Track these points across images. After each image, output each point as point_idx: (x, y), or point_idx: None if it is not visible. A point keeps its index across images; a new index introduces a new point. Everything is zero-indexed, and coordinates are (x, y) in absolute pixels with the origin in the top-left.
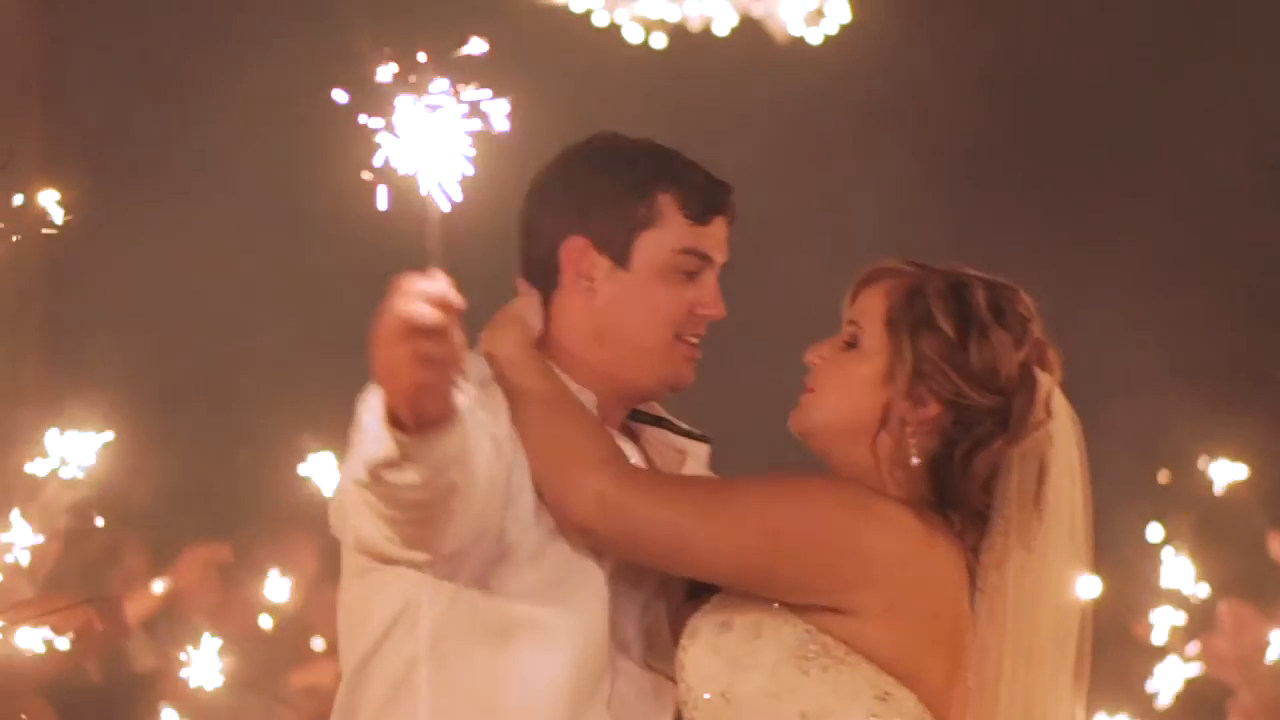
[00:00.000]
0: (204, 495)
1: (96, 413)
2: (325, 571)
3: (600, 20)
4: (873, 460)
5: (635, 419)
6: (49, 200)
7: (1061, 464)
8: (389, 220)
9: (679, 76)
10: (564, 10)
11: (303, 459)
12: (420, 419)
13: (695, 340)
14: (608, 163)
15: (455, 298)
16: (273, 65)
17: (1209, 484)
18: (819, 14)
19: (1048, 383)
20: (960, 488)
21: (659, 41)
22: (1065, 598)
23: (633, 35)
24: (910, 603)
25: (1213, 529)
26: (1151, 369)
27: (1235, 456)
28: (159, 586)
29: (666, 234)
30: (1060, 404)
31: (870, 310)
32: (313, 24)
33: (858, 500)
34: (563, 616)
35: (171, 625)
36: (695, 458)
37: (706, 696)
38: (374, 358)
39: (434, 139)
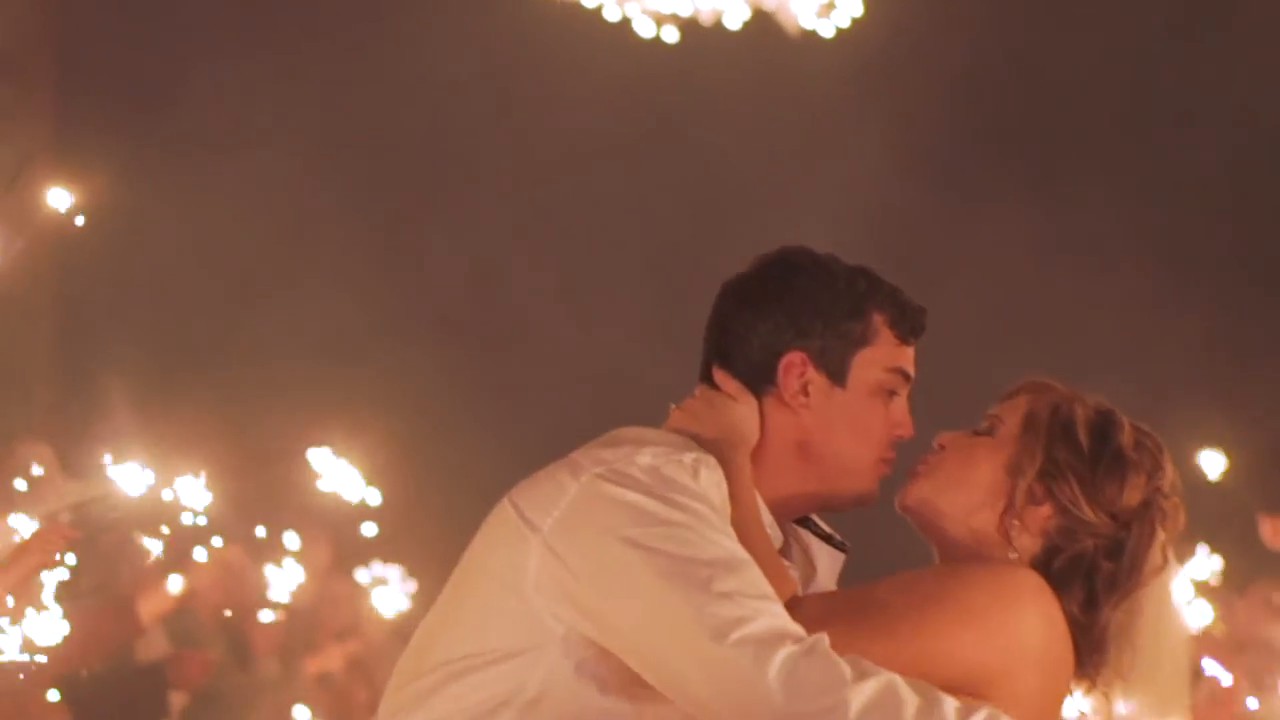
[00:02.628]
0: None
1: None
2: (337, 563)
3: (612, 14)
4: (975, 539)
5: None
6: (63, 200)
7: (1161, 611)
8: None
9: (691, 70)
10: (576, 5)
11: (313, 453)
12: None
13: (890, 460)
14: (825, 279)
15: None
16: None
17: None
18: (830, 6)
19: (1164, 535)
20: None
21: (671, 35)
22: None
23: (644, 29)
24: (1047, 690)
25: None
26: (1140, 358)
27: (1218, 445)
28: (175, 584)
29: (880, 353)
30: (1172, 558)
31: (1013, 409)
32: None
33: (1012, 589)
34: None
35: (185, 619)
36: (826, 568)
37: None
38: None
39: None
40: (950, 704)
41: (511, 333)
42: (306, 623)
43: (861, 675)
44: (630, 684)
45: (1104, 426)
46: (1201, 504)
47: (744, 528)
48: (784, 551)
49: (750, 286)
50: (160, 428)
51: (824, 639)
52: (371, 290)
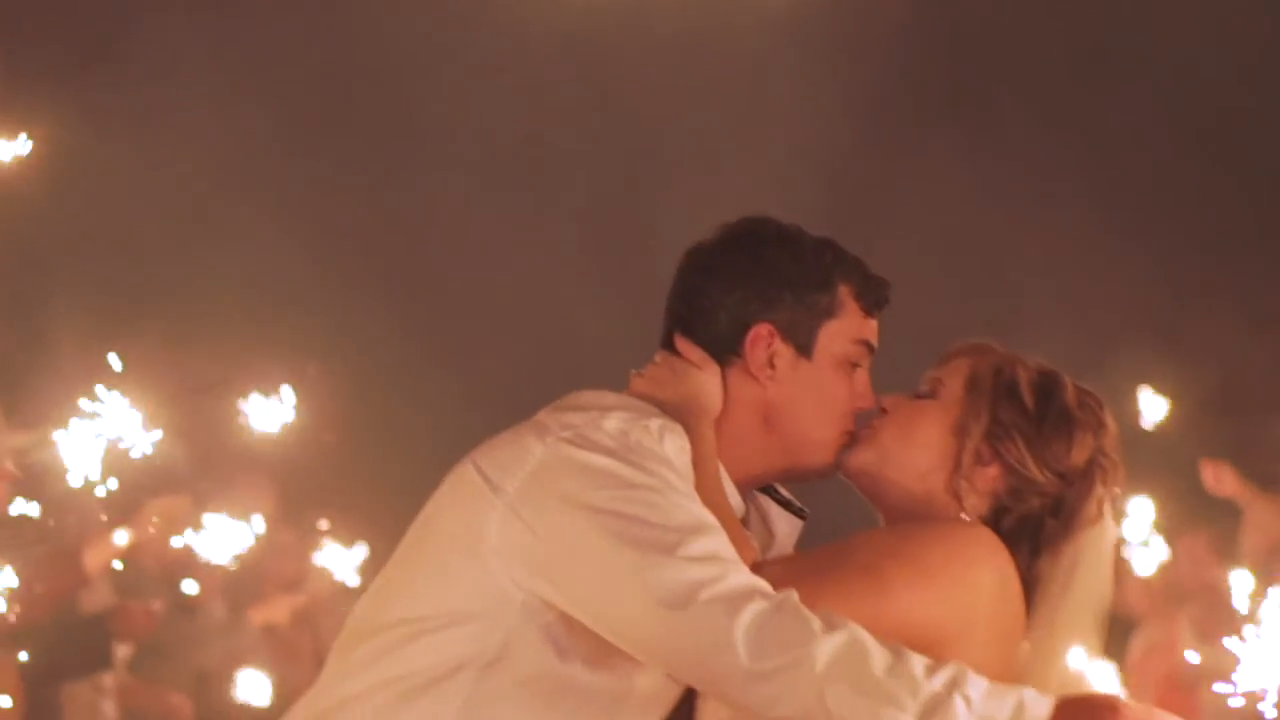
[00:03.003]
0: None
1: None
2: (281, 514)
3: None
4: (922, 502)
5: None
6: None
7: (1093, 560)
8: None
9: (632, 22)
10: None
11: (253, 403)
12: None
13: (852, 431)
14: (793, 251)
15: None
16: None
17: (1139, 418)
18: None
19: (1103, 490)
20: None
21: None
22: (1069, 675)
23: None
24: (1001, 646)
25: (1148, 464)
26: (1080, 305)
27: (1161, 390)
28: (120, 537)
29: (846, 325)
30: (1108, 511)
31: (956, 370)
32: None
33: (968, 546)
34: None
35: (130, 571)
36: (786, 535)
37: None
38: None
39: None
40: (918, 660)
41: (455, 283)
42: (252, 573)
43: (829, 628)
44: (589, 650)
45: (1047, 386)
46: (1143, 449)
47: (707, 496)
48: (743, 520)
49: (716, 257)
50: (106, 375)
51: (793, 594)
52: (317, 238)
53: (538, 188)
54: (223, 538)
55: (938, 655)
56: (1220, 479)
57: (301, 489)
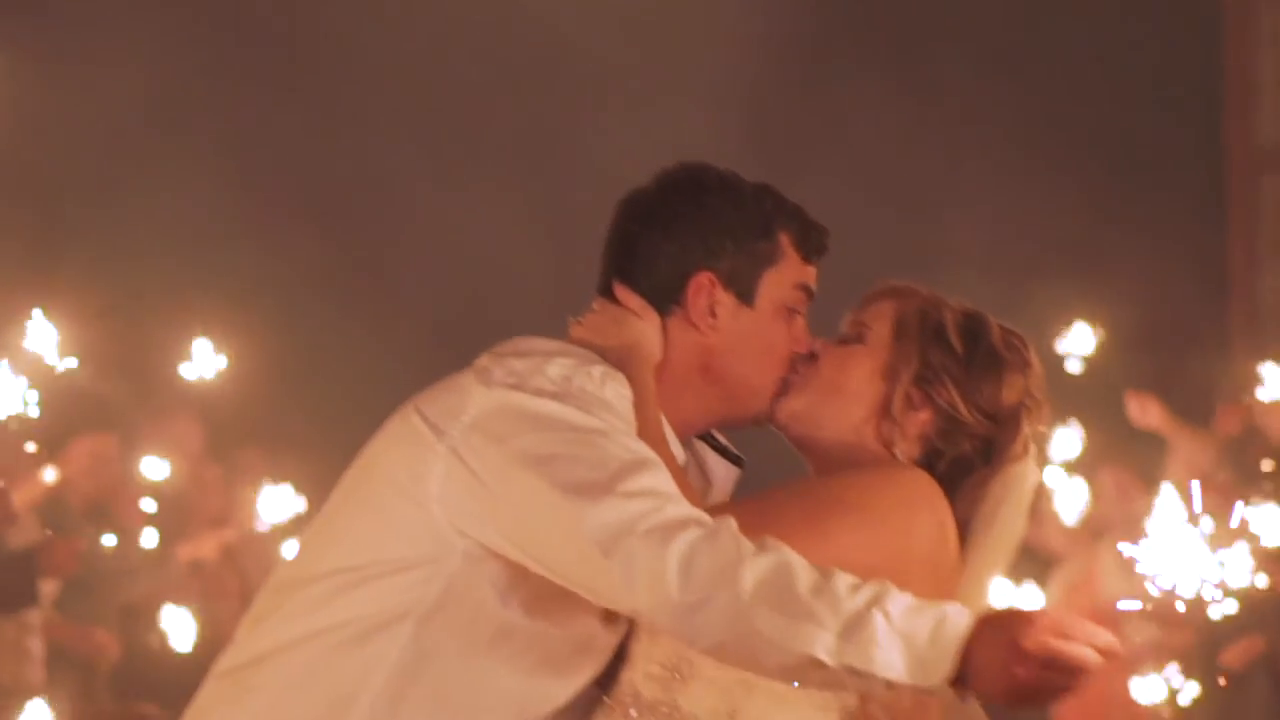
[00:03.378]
0: (92, 377)
1: None
2: (209, 450)
3: None
4: (853, 448)
5: None
6: None
7: (1015, 497)
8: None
9: None
10: None
11: (182, 342)
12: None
13: (788, 378)
14: (733, 199)
15: (1117, 645)
16: None
17: (1066, 352)
18: None
19: (1030, 429)
20: None
21: None
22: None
23: None
24: (937, 589)
25: (1075, 396)
26: (1007, 240)
27: (1088, 323)
28: (47, 474)
29: (786, 272)
30: (1033, 451)
31: (880, 314)
32: None
33: (908, 491)
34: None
35: (56, 507)
36: (723, 481)
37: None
38: (1024, 656)
39: None
40: (844, 579)
41: (383, 223)
42: (179, 510)
43: (759, 551)
44: (531, 597)
45: (973, 328)
46: (1069, 381)
47: (649, 443)
48: (682, 468)
49: (656, 205)
50: (29, 312)
51: (730, 521)
52: (247, 177)
53: (463, 127)
54: (150, 474)
55: None
56: (1145, 411)
57: (230, 426)
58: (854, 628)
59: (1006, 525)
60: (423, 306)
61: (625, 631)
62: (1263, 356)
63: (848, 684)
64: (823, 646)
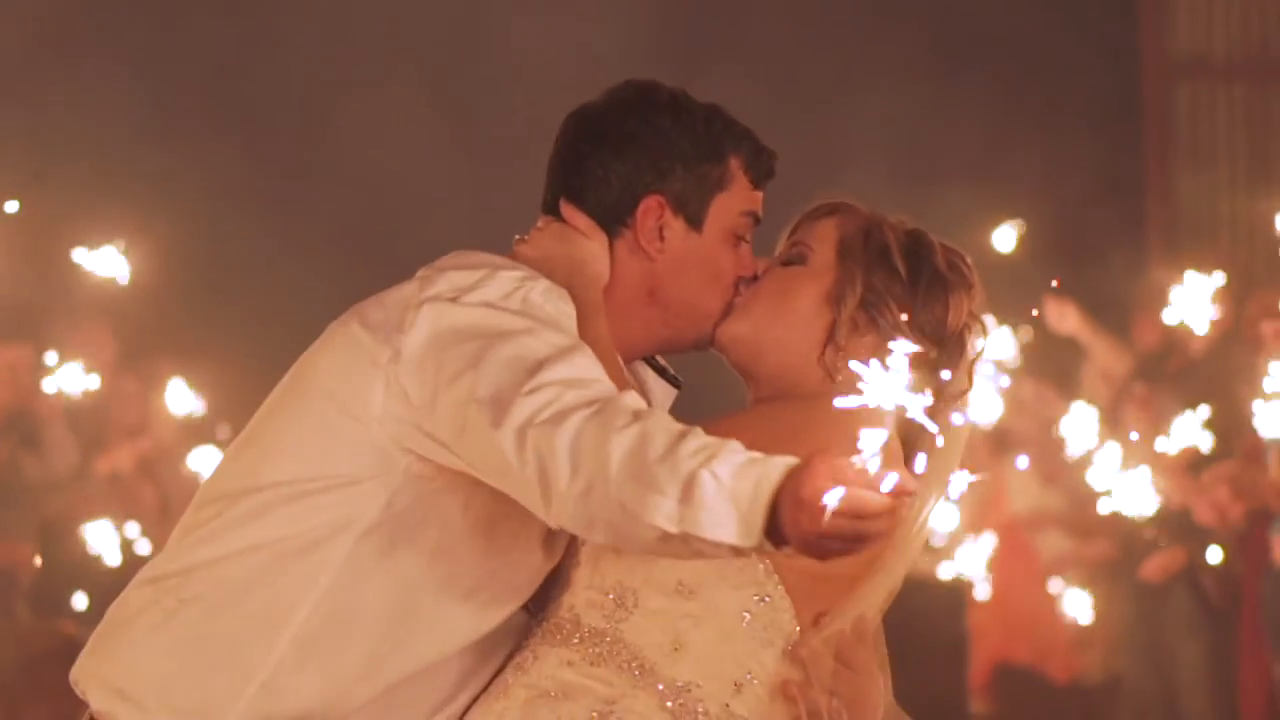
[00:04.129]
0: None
1: None
2: (124, 361)
3: None
4: (795, 372)
5: None
6: None
7: (957, 433)
8: None
9: None
10: None
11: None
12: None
13: (733, 303)
14: (686, 122)
15: (910, 483)
16: None
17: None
18: None
19: (974, 352)
20: None
21: None
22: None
23: None
24: None
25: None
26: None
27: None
28: None
29: (734, 198)
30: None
31: (823, 235)
32: None
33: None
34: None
35: None
36: (660, 404)
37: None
38: (803, 505)
39: None
40: (693, 438)
41: (298, 131)
42: (96, 421)
43: (629, 421)
44: (471, 522)
45: (917, 249)
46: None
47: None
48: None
49: (607, 123)
50: None
51: (617, 397)
52: (162, 82)
53: (378, 35)
54: (66, 385)
55: None
56: (1063, 316)
57: (145, 336)
58: (688, 491)
59: (944, 453)
60: (337, 217)
61: (560, 558)
62: (1179, 266)
63: (701, 551)
64: (664, 514)
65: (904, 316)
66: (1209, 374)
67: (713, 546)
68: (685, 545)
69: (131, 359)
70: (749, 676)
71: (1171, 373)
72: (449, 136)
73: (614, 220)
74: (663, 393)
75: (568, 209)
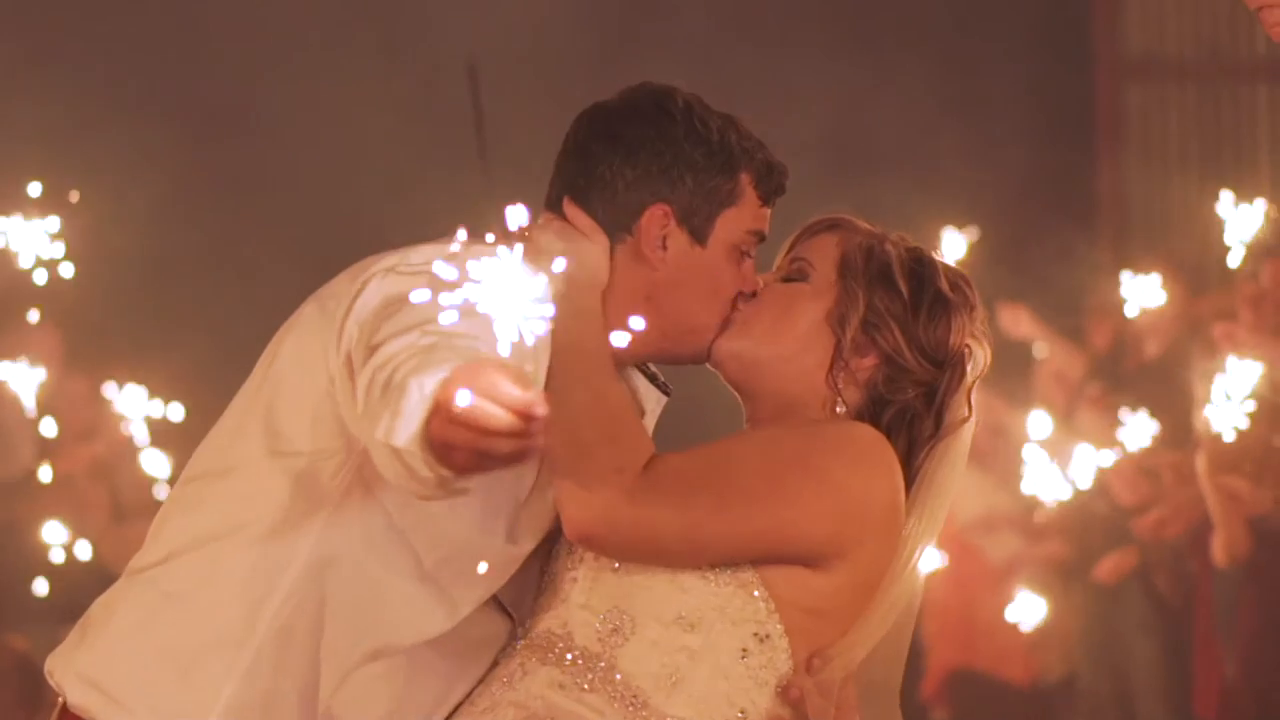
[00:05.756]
0: None
1: None
2: (73, 362)
3: None
4: (795, 392)
5: None
6: None
7: (954, 457)
8: None
9: None
10: None
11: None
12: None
13: (729, 319)
14: (700, 132)
15: (539, 406)
16: None
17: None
18: None
19: (973, 376)
20: None
21: None
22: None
23: None
24: (885, 552)
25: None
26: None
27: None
28: None
29: (743, 214)
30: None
31: (823, 252)
32: None
33: (867, 454)
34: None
35: None
36: (652, 412)
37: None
38: (437, 407)
39: None
40: (433, 352)
41: (252, 109)
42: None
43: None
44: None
45: (919, 269)
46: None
47: (598, 373)
48: None
49: (621, 126)
50: None
51: (458, 340)
52: (109, 55)
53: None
54: (16, 386)
55: (830, 562)
56: (1017, 322)
57: (93, 336)
58: (396, 403)
59: (945, 486)
60: (289, 210)
61: (530, 551)
62: (1131, 266)
63: (412, 470)
64: (382, 428)
65: (903, 337)
66: (1162, 375)
67: (403, 454)
68: (396, 459)
69: (82, 358)
70: (741, 715)
71: (1125, 374)
72: (398, 114)
73: (617, 225)
74: (654, 402)
75: (571, 208)
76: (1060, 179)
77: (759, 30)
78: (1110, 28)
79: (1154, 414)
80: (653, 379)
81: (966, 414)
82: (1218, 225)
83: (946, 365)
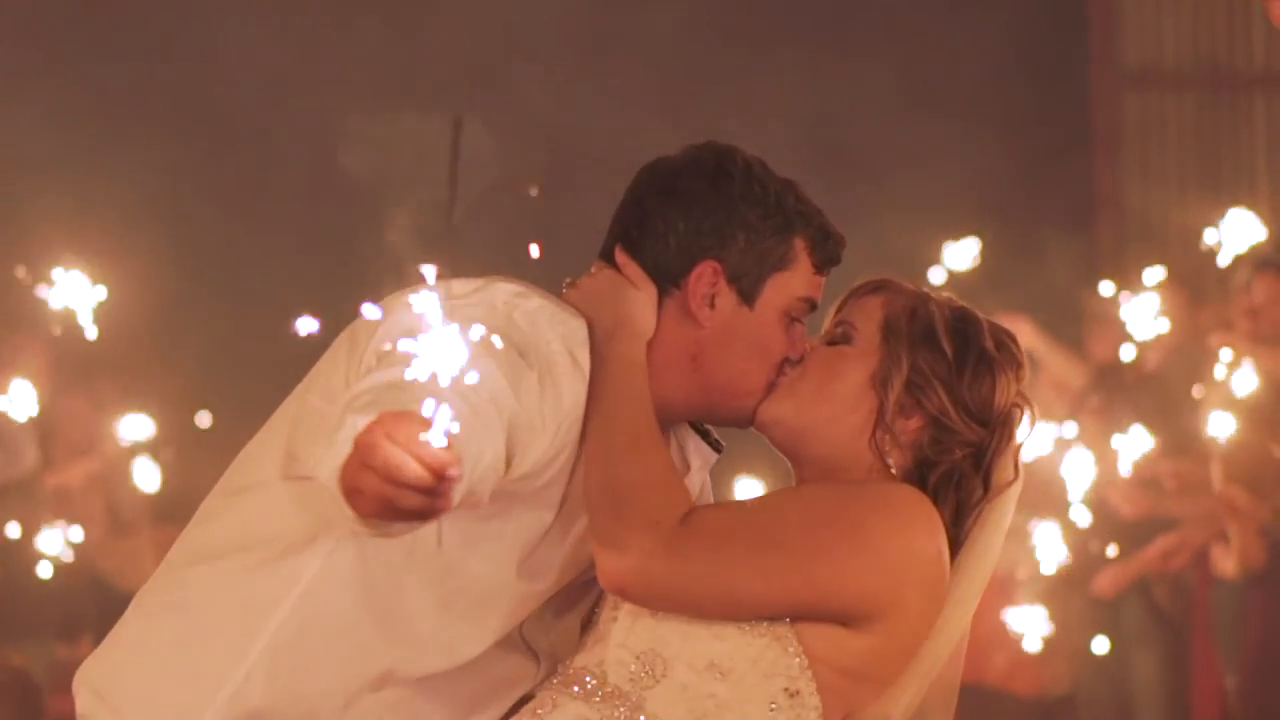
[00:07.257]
0: None
1: None
2: (62, 379)
3: None
4: (841, 455)
5: None
6: None
7: (998, 519)
8: None
9: None
10: None
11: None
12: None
13: (776, 383)
14: (756, 193)
15: (454, 468)
16: None
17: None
18: None
19: (1021, 438)
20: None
21: None
22: (958, 629)
23: None
24: (928, 616)
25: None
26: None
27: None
28: None
29: (794, 279)
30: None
31: (867, 314)
32: None
33: (907, 514)
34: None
35: None
36: (699, 469)
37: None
38: (355, 451)
39: None
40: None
41: (242, 132)
42: (44, 439)
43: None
44: (445, 524)
45: (964, 329)
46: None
47: (636, 421)
48: None
49: (678, 181)
50: None
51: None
52: (101, 90)
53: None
54: (16, 402)
55: (870, 623)
56: (1018, 333)
57: (92, 353)
58: (333, 435)
59: (988, 551)
60: (295, 221)
61: (550, 591)
62: (1129, 277)
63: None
64: (317, 458)
65: (948, 398)
66: (1161, 385)
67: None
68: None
69: (80, 376)
70: None
71: (1125, 384)
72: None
73: (666, 279)
74: (701, 459)
75: (622, 257)
76: (1058, 189)
77: (757, 30)
78: (1108, 40)
79: (1151, 427)
80: (704, 435)
81: (1013, 476)
82: (1215, 235)
83: (993, 425)
